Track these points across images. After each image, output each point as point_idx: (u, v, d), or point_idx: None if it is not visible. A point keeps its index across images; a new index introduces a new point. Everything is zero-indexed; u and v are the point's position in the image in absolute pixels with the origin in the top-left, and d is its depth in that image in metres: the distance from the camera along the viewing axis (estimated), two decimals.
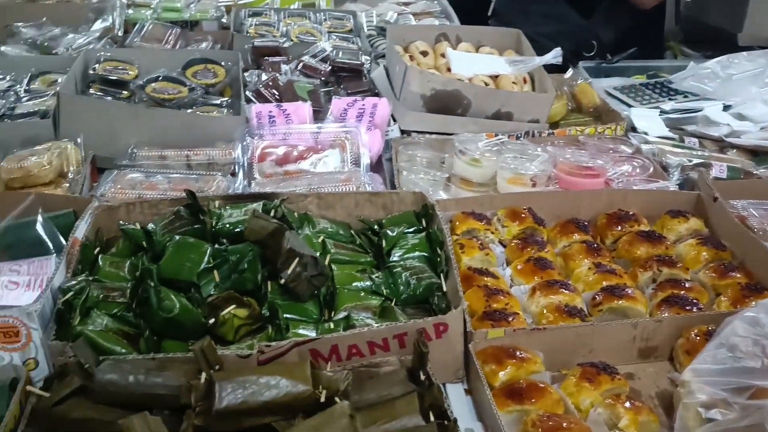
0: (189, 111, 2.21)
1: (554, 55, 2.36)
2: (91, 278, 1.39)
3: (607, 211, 1.83)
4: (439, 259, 1.53)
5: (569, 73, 2.56)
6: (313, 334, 1.33)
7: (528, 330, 1.42)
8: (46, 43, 2.79)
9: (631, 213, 1.81)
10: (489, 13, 3.23)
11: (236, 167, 1.94)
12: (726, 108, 2.48)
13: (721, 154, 2.21)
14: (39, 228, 1.55)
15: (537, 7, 3.12)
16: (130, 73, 2.39)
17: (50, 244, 1.55)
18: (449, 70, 2.40)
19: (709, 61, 2.78)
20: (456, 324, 1.35)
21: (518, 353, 1.37)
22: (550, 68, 2.43)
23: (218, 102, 2.31)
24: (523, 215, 1.78)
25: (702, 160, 2.06)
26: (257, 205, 1.58)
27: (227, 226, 1.53)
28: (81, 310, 1.31)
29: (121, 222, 1.57)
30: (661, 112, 2.45)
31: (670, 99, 2.60)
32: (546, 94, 2.26)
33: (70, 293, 1.33)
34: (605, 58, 3.04)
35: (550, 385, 1.32)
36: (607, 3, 3.06)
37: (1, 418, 1.13)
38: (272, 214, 1.55)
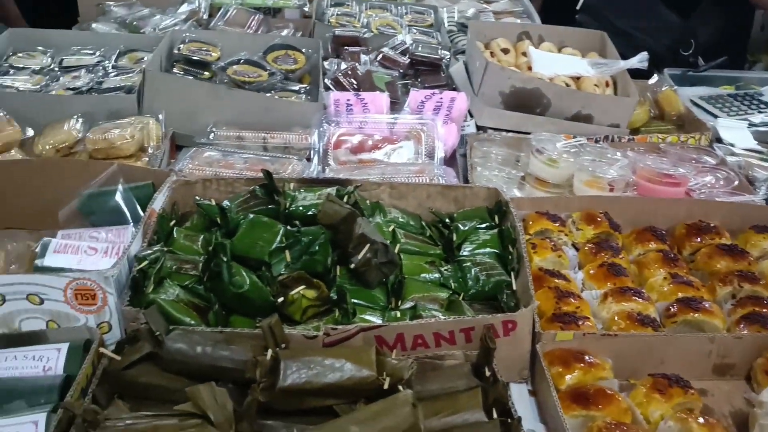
0: (268, 95, 2.23)
1: (640, 59, 2.29)
2: (165, 249, 1.42)
3: (686, 222, 1.77)
4: (510, 257, 1.50)
5: (654, 79, 2.48)
6: (379, 321, 1.33)
7: (598, 335, 1.38)
8: (134, 23, 2.87)
9: (712, 225, 1.74)
10: (578, 7, 3.14)
11: (311, 152, 1.95)
12: None
13: None
14: (119, 197, 1.59)
15: (631, 1, 3.02)
16: (212, 54, 2.43)
17: (128, 214, 1.58)
18: (530, 69, 2.36)
19: None
20: (525, 323, 1.33)
21: (587, 358, 1.34)
22: (634, 74, 2.36)
23: (296, 88, 2.33)
24: (598, 219, 1.73)
25: None
26: (331, 190, 1.59)
27: (300, 208, 1.54)
28: (155, 279, 1.34)
29: (197, 197, 1.60)
30: (749, 124, 2.36)
31: (760, 112, 2.50)
32: (629, 98, 2.20)
33: (146, 262, 1.36)
34: (697, 59, 2.94)
35: (619, 393, 1.29)
36: (708, 3, 2.95)
37: (74, 375, 1.17)
38: (345, 200, 1.55)
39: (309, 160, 1.95)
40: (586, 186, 1.87)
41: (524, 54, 2.46)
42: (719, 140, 2.26)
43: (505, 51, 2.47)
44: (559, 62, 2.35)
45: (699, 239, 1.72)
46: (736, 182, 1.96)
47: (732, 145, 2.20)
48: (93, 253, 1.47)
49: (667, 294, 1.55)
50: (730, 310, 1.53)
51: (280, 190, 1.56)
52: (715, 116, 2.46)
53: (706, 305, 1.49)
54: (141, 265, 1.36)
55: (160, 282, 1.34)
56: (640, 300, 1.50)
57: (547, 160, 1.94)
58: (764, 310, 1.49)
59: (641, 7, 3.01)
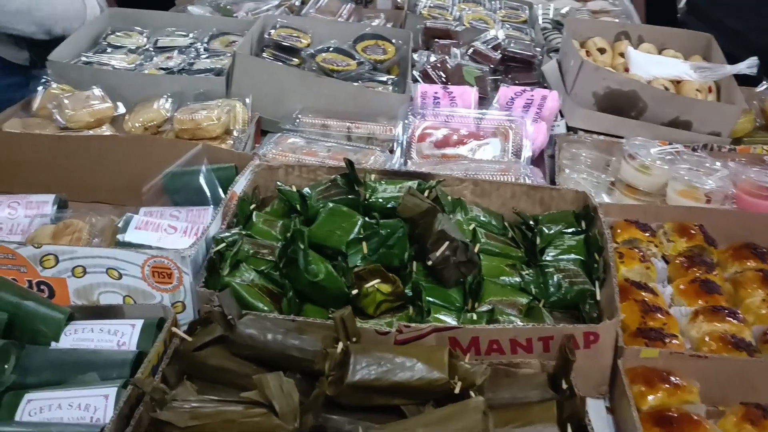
0: (355, 84, 2.21)
1: (749, 65, 2.16)
2: (244, 233, 1.41)
3: None
4: (596, 265, 1.43)
5: (762, 86, 2.33)
6: (454, 322, 1.28)
7: (686, 355, 1.30)
8: (228, 6, 2.90)
9: None
10: (681, 5, 2.98)
11: (395, 144, 1.92)
12: None
13: None
14: (201, 178, 1.60)
15: None
16: (302, 41, 2.43)
17: (209, 195, 1.59)
18: (627, 70, 2.26)
19: None
20: (608, 336, 1.26)
21: (672, 378, 1.26)
22: (741, 80, 2.23)
23: (384, 79, 2.30)
24: (692, 232, 1.64)
25: None
26: (412, 183, 1.55)
27: (380, 200, 1.51)
28: (231, 262, 1.33)
29: (278, 183, 1.59)
30: None
31: None
32: (733, 105, 2.08)
33: (223, 244, 1.36)
34: None
35: (706, 420, 1.20)
36: None
37: (147, 352, 1.17)
38: (426, 194, 1.51)
39: (392, 152, 1.92)
40: (681, 196, 1.77)
41: (622, 55, 2.36)
42: None
43: (602, 51, 2.38)
44: (658, 64, 2.24)
45: None
46: None
47: None
48: (173, 232, 1.48)
49: (765, 317, 1.45)
50: None
51: (361, 180, 1.54)
52: None
53: None
54: (218, 247, 1.35)
55: (236, 265, 1.34)
56: (735, 321, 1.40)
57: (640, 167, 1.84)
58: None
59: (755, 3, 2.85)
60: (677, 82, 2.21)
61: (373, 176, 1.60)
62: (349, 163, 1.52)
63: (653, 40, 2.43)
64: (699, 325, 1.41)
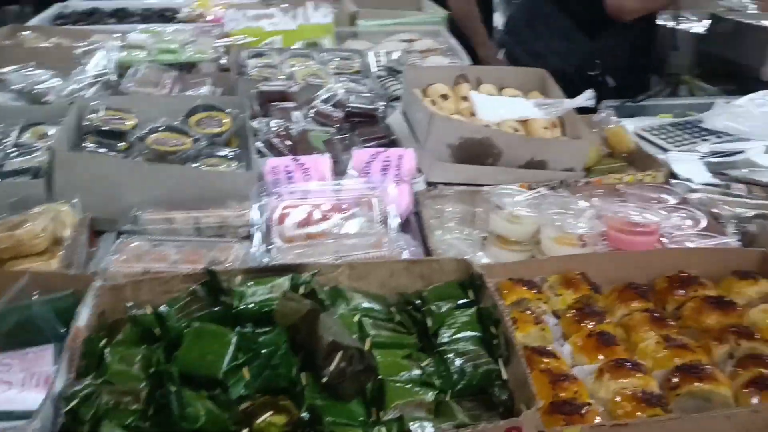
0: (195, 166, 2.02)
1: (587, 98, 2.20)
2: (98, 381, 1.18)
3: (666, 274, 1.65)
4: (496, 341, 1.34)
5: (600, 115, 2.39)
6: None
7: (608, 427, 1.23)
8: (34, 91, 2.60)
9: (693, 275, 1.64)
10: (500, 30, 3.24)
11: (253, 230, 1.75)
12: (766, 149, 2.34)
13: None
14: (34, 314, 1.35)
15: (545, 24, 3.08)
16: (127, 122, 2.20)
17: (47, 333, 1.34)
18: (473, 114, 2.24)
19: (740, 99, 2.64)
20: (530, 426, 1.16)
21: None
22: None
23: (225, 154, 2.13)
24: (577, 281, 1.60)
25: (759, 211, 1.90)
26: (285, 280, 1.39)
27: (252, 305, 1.33)
28: (90, 422, 1.10)
29: (128, 305, 1.37)
30: (699, 156, 2.30)
31: (703, 140, 2.45)
32: (582, 140, 2.10)
33: (75, 401, 1.13)
34: (605, 79, 2.97)
35: None
36: (614, 26, 2.97)
37: None
38: (302, 290, 1.36)
39: (250, 238, 1.75)
40: (556, 243, 1.73)
41: (464, 98, 2.33)
42: (673, 175, 2.18)
43: (445, 97, 2.34)
44: (503, 106, 2.24)
45: (683, 292, 1.60)
46: (704, 222, 1.87)
47: (689, 180, 2.12)
48: (6, 389, 1.22)
49: (663, 360, 1.42)
50: (732, 373, 1.40)
51: (225, 287, 1.36)
52: (664, 149, 2.39)
53: (709, 371, 1.37)
54: (70, 405, 1.12)
55: (96, 424, 1.11)
56: (640, 374, 1.35)
57: (510, 217, 1.79)
58: None
59: (554, 29, 3.03)
60: (524, 122, 2.20)
61: (238, 278, 1.42)
62: (210, 272, 1.34)
63: (492, 79, 2.43)
64: (606, 385, 1.35)
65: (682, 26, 3.74)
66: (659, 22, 3.73)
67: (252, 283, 1.40)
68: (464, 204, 1.96)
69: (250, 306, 1.34)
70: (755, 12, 4.14)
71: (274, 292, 1.35)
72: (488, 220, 1.84)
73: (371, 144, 2.26)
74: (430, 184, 2.04)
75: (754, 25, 3.12)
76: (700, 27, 3.63)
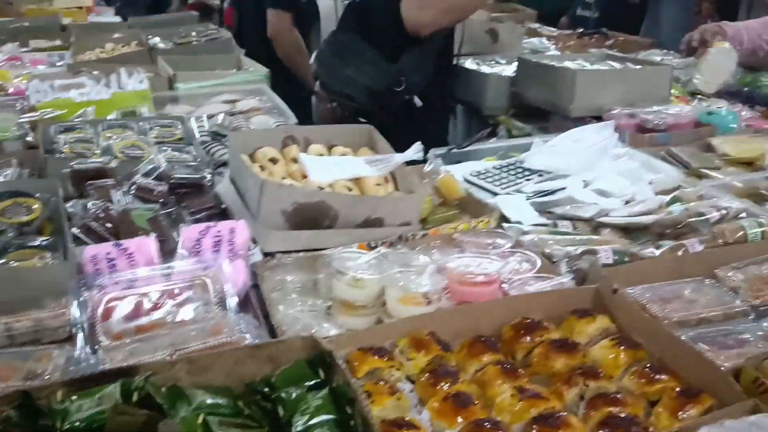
0: (2, 262, 1.81)
1: (415, 151, 2.23)
2: None
3: (511, 321, 1.67)
4: (353, 422, 1.27)
5: (429, 165, 2.42)
6: None
7: None
8: None
9: (537, 320, 1.66)
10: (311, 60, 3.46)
11: (74, 330, 1.58)
12: (584, 182, 2.47)
13: (596, 235, 2.16)
14: None
15: (351, 53, 3.21)
16: None
17: None
18: (304, 176, 2.19)
19: (555, 138, 2.79)
20: None
21: None
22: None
23: (37, 243, 1.93)
24: (427, 342, 1.57)
25: (587, 247, 1.98)
26: (114, 388, 1.25)
27: (78, 425, 1.19)
28: None
29: None
30: (525, 197, 2.39)
31: (527, 180, 2.55)
32: (416, 194, 2.11)
33: None
34: (412, 99, 3.14)
35: None
36: (416, 50, 3.14)
37: None
38: (136, 396, 1.23)
39: (71, 340, 1.57)
40: (402, 304, 1.70)
41: (294, 160, 2.28)
42: (504, 218, 2.24)
43: (274, 160, 2.27)
44: (335, 166, 2.20)
45: (529, 339, 1.63)
46: (539, 264, 1.92)
47: (519, 222, 2.19)
48: None
49: (519, 413, 1.42)
50: (585, 416, 1.43)
51: (44, 407, 1.20)
52: (494, 193, 2.46)
53: (563, 418, 1.38)
54: None
55: None
56: None
57: (352, 281, 1.75)
58: (618, 408, 1.41)
59: (360, 56, 3.19)
60: (357, 180, 2.18)
61: (59, 393, 1.26)
62: (23, 394, 1.17)
63: (320, 139, 2.39)
64: None
65: (495, 69, 3.95)
66: (471, 66, 3.93)
67: (76, 396, 1.25)
68: (305, 271, 1.89)
69: (76, 425, 1.19)
70: (556, 53, 4.47)
71: (104, 403, 1.22)
72: (331, 286, 1.78)
73: (200, 216, 2.15)
74: (268, 254, 1.96)
75: (556, 66, 3.33)
76: (509, 70, 3.83)
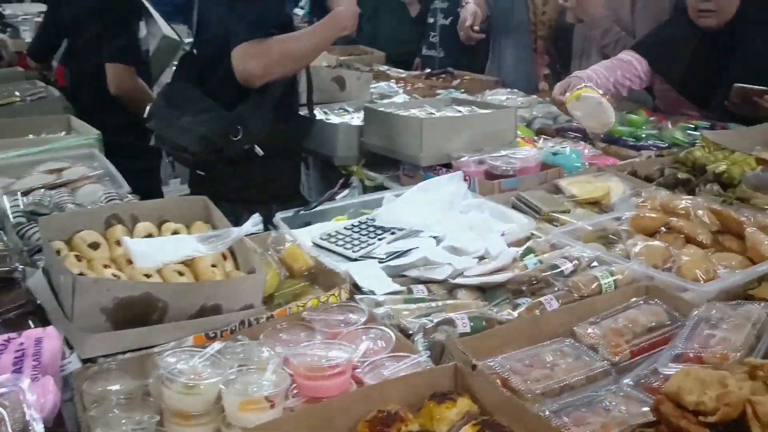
0: None
1: (253, 223, 2.04)
2: None
3: (366, 417, 1.51)
4: None
5: (272, 235, 2.25)
6: None
7: None
8: None
9: (393, 411, 1.51)
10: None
11: None
12: (436, 239, 2.37)
13: (452, 298, 2.06)
14: None
15: (185, 102, 3.12)
16: None
17: None
18: (131, 263, 1.95)
19: (406, 191, 2.69)
20: None
21: None
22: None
23: None
24: None
25: (443, 315, 1.86)
26: None
27: None
28: None
29: None
30: (377, 261, 2.26)
31: (379, 240, 2.42)
32: (257, 273, 1.92)
33: None
34: (253, 149, 3.04)
35: None
36: (254, 97, 3.06)
37: None
38: None
39: None
40: (241, 411, 1.50)
41: (119, 243, 2.04)
42: (357, 287, 2.10)
43: (94, 246, 2.02)
44: (163, 247, 1.97)
45: None
46: (394, 340, 1.78)
47: (372, 292, 2.05)
48: None
49: None
50: None
51: None
52: (346, 257, 2.31)
53: None
54: None
55: None
56: None
57: (184, 388, 1.53)
58: None
59: (194, 104, 3.10)
60: (190, 262, 1.97)
61: None
62: None
63: (149, 216, 2.16)
64: None
65: (344, 118, 3.84)
66: (320, 116, 3.81)
67: None
68: (133, 377, 1.65)
69: None
70: (405, 97, 4.43)
71: None
72: (161, 395, 1.56)
73: (10, 317, 1.86)
74: (88, 360, 1.70)
75: (402, 115, 3.27)
76: (359, 118, 3.74)
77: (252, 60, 2.88)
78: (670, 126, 3.74)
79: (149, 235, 2.08)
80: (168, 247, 1.96)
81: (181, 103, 3.12)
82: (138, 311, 1.75)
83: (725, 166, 2.94)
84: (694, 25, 3.76)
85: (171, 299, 1.76)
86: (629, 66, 3.84)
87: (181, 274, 1.90)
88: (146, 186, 3.69)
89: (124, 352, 1.72)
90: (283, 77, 3.07)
